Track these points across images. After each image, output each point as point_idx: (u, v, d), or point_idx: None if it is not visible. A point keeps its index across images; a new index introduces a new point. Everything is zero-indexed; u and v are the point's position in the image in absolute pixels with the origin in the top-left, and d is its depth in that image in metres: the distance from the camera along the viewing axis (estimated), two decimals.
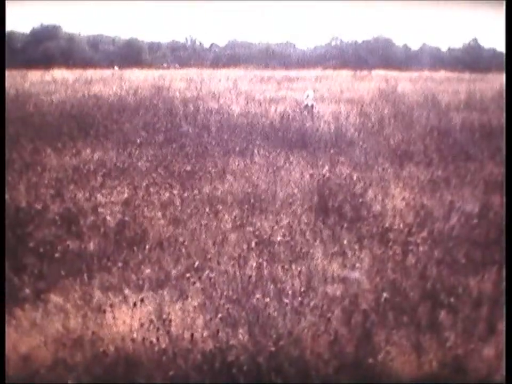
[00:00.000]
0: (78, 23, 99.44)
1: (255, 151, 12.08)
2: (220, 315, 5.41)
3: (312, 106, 17.71)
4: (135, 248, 7.08)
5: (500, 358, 4.78)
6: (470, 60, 52.82)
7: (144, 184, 9.50)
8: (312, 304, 5.70)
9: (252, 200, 8.77)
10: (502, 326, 5.24)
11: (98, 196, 8.91)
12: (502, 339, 5.01)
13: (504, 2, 6.63)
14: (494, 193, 9.26)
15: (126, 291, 6.03)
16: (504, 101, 6.50)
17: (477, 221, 7.96)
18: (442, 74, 37.12)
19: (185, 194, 9.01)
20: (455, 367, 4.74)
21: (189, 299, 5.83)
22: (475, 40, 59.10)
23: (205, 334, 5.15)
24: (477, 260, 6.84)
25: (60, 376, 4.76)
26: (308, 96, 18.23)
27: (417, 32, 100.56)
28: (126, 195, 8.99)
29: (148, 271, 6.53)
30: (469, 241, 7.37)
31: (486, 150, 12.37)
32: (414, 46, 61.65)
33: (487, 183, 9.88)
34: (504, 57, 6.50)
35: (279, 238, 7.32)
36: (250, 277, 6.18)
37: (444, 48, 61.50)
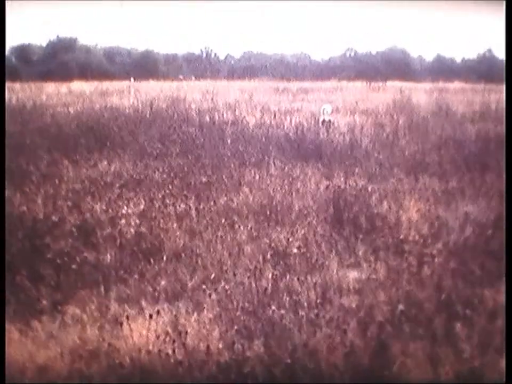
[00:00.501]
0: (94, 35, 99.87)
1: (271, 162, 12.10)
2: (235, 327, 5.44)
3: (329, 122, 17.05)
4: (151, 259, 7.12)
5: None
6: (485, 70, 52.61)
7: (160, 195, 9.53)
8: (327, 316, 5.70)
9: (268, 212, 8.80)
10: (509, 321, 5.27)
11: (115, 207, 8.94)
12: None
13: (504, 2, 6.65)
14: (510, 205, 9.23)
15: (142, 303, 6.05)
16: (504, 101, 6.50)
17: (492, 232, 7.93)
18: (456, 85, 37.03)
19: (201, 206, 9.04)
20: (471, 379, 4.74)
21: (205, 311, 5.85)
22: (489, 50, 58.93)
23: (221, 345, 5.16)
24: (492, 271, 6.81)
25: None
26: (324, 110, 17.68)
27: (432, 43, 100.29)
28: (142, 207, 9.02)
29: (164, 282, 6.57)
30: (484, 252, 7.35)
31: (502, 160, 12.31)
32: (429, 57, 61.57)
33: (503, 193, 9.82)
34: (504, 57, 6.53)
35: (294, 250, 7.34)
36: (266, 288, 6.19)
37: (459, 59, 61.38)
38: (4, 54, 10.32)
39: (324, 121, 17.03)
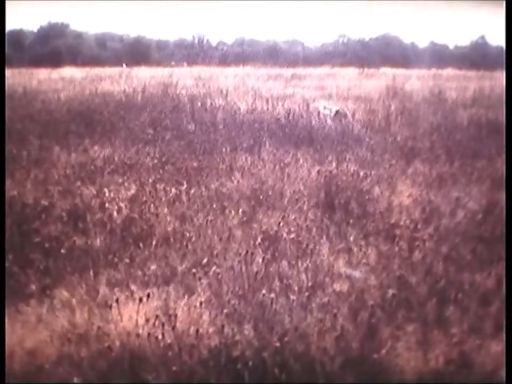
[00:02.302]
0: (85, 21, 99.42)
1: (262, 147, 12.08)
2: (225, 311, 5.42)
3: (338, 113, 16.15)
4: (141, 244, 7.08)
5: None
6: (477, 57, 52.69)
7: (151, 180, 9.51)
8: (318, 300, 5.70)
9: (259, 197, 8.78)
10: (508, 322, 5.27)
11: (105, 192, 8.90)
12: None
13: (504, 2, 6.63)
14: (501, 190, 9.23)
15: (132, 287, 6.02)
16: (504, 101, 6.49)
17: (483, 217, 7.94)
18: (449, 71, 37.01)
19: (192, 191, 9.01)
20: (461, 363, 4.73)
21: (195, 295, 5.83)
22: (482, 37, 59.02)
23: (211, 329, 5.15)
24: (483, 256, 6.83)
25: (65, 371, 4.77)
26: (324, 107, 17.22)
27: (425, 29, 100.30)
28: (133, 192, 9.00)
29: (154, 267, 6.53)
30: (475, 237, 7.36)
31: (493, 146, 12.34)
32: (421, 44, 61.66)
33: (494, 179, 9.85)
34: (504, 57, 6.51)
35: (285, 235, 7.32)
36: (256, 273, 6.18)
37: (451, 46, 61.44)
38: (4, 52, 10.29)
39: (337, 112, 16.28)
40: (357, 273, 6.48)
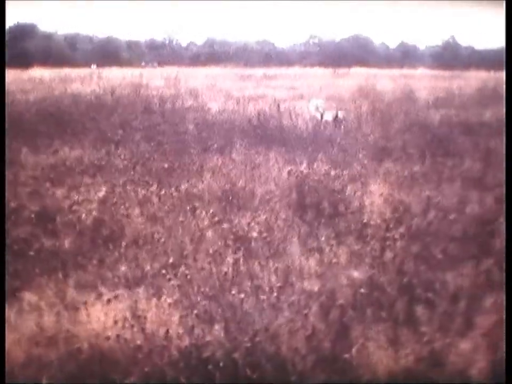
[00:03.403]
0: (55, 22, 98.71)
1: (233, 148, 12.05)
2: (195, 312, 5.38)
3: (336, 119, 15.03)
4: (111, 245, 7.02)
5: (476, 352, 4.79)
6: (449, 57, 53.17)
7: (121, 181, 9.45)
8: (289, 300, 5.67)
9: (230, 197, 8.75)
10: (478, 320, 5.28)
11: (75, 194, 8.84)
12: (479, 333, 5.04)
13: (504, 2, 6.66)
14: (472, 189, 9.30)
15: (102, 289, 5.96)
16: (504, 102, 6.50)
17: (454, 216, 7.96)
18: (421, 71, 37.31)
19: (163, 192, 8.95)
20: (432, 361, 4.73)
21: (165, 296, 5.78)
22: (453, 37, 59.53)
23: (181, 330, 5.11)
24: (454, 255, 6.84)
25: (33, 375, 4.70)
26: (316, 108, 16.11)
27: (396, 30, 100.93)
28: (103, 193, 8.92)
29: (123, 268, 6.48)
30: (446, 236, 7.37)
31: (464, 146, 12.44)
32: (393, 44, 62.04)
33: (465, 178, 9.92)
34: (504, 57, 6.53)
35: (255, 235, 7.29)
36: (226, 273, 6.15)
37: (422, 46, 61.89)
38: (4, 51, 10.16)
39: (336, 117, 15.17)
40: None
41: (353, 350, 4.87)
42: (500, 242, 7.01)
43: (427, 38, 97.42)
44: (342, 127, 14.56)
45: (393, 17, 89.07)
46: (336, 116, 15.17)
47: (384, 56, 56.31)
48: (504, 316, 4.83)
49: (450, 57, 54.53)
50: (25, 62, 37.18)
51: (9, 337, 5.12)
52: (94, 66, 35.69)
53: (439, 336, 5.07)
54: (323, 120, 15.17)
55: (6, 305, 5.42)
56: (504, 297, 5.04)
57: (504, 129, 6.54)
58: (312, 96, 20.84)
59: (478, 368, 4.63)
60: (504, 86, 6.48)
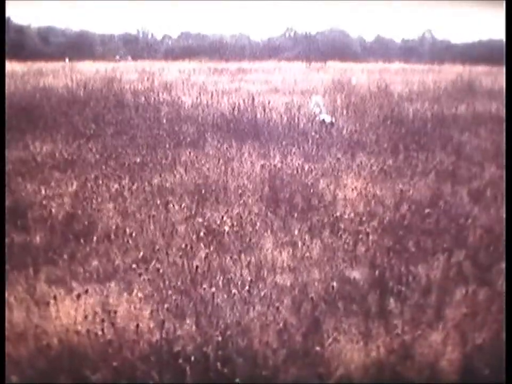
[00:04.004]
0: (27, 15, 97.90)
1: (207, 142, 12.05)
2: (166, 306, 5.36)
3: (331, 123, 14.16)
4: (82, 240, 6.96)
5: (445, 344, 4.80)
6: (425, 51, 53.44)
7: (93, 176, 9.39)
8: (261, 294, 5.67)
9: (202, 191, 8.72)
10: (448, 312, 5.31)
11: (46, 188, 8.76)
12: (448, 325, 5.06)
13: (504, 2, 6.67)
14: (445, 183, 9.36)
15: (73, 284, 5.92)
16: (504, 100, 6.51)
17: (427, 210, 7.99)
18: (396, 65, 37.45)
19: (135, 186, 8.94)
20: (402, 353, 4.74)
21: (135, 290, 5.74)
22: (429, 31, 59.82)
23: (151, 325, 5.08)
24: (427, 248, 6.88)
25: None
26: (316, 104, 15.51)
27: (372, 23, 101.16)
28: (74, 187, 8.88)
29: (95, 263, 6.44)
30: (419, 230, 7.41)
31: (438, 139, 12.51)
32: (369, 38, 62.18)
33: (438, 172, 9.98)
34: (504, 58, 6.55)
35: (227, 229, 7.27)
36: (198, 267, 6.12)
37: (398, 40, 62.10)
38: (4, 50, 10.04)
39: (323, 121, 14.35)
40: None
41: (325, 344, 4.87)
42: (471, 235, 7.07)
43: (403, 31, 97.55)
44: (333, 130, 13.86)
45: (369, 11, 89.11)
46: (323, 121, 14.44)
47: (361, 50, 56.44)
48: (504, 316, 4.84)
49: (426, 51, 54.85)
50: None
51: None
52: (67, 60, 35.40)
53: (409, 328, 5.08)
54: (319, 119, 14.62)
55: (6, 305, 5.34)
56: (504, 300, 5.05)
57: (504, 125, 6.57)
58: (286, 91, 20.91)
59: (448, 360, 4.64)
60: (504, 85, 6.49)
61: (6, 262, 5.96)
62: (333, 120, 14.35)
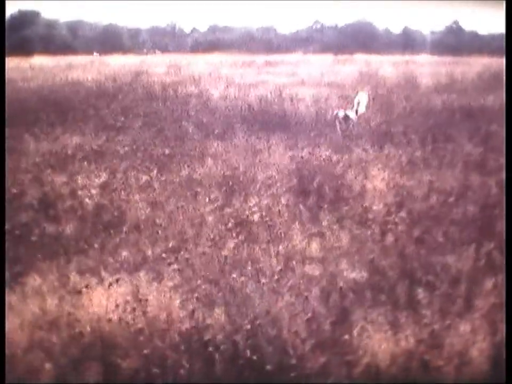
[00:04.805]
0: (57, 9, 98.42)
1: (235, 134, 12.07)
2: (196, 295, 5.41)
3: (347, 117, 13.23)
4: (112, 231, 7.04)
5: (476, 333, 4.80)
6: (452, 42, 52.96)
7: (122, 167, 9.48)
8: (290, 283, 5.69)
9: (231, 183, 8.75)
10: (478, 302, 5.29)
11: (76, 180, 8.85)
12: (478, 315, 5.05)
13: (504, 2, 6.64)
14: (473, 173, 9.30)
15: (103, 273, 5.97)
16: (504, 102, 6.48)
17: (455, 200, 7.97)
18: (423, 57, 37.17)
19: (164, 177, 8.99)
20: (431, 343, 4.75)
21: (165, 280, 5.79)
22: (456, 22, 59.25)
23: (182, 314, 5.13)
24: (455, 238, 6.85)
25: (36, 358, 4.73)
26: (358, 100, 14.02)
27: (399, 15, 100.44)
28: (103, 179, 8.95)
29: (125, 253, 6.50)
30: (447, 220, 7.38)
31: (465, 130, 12.42)
32: (396, 30, 61.71)
33: (466, 163, 9.91)
34: (505, 58, 6.52)
35: (256, 219, 7.30)
36: (227, 257, 6.17)
37: (426, 32, 61.57)
38: (3, 50, 10.15)
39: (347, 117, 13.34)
40: None
41: (353, 333, 4.89)
42: (500, 226, 7.02)
43: (430, 23, 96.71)
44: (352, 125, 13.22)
45: (396, 3, 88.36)
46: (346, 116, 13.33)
47: (387, 42, 56.05)
48: (504, 317, 4.84)
49: (454, 42, 54.35)
50: (27, 49, 37.11)
51: (12, 322, 5.15)
52: (95, 54, 35.61)
53: (438, 318, 5.08)
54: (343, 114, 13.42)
55: (6, 305, 5.40)
56: (504, 300, 5.04)
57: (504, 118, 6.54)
58: (313, 83, 20.83)
59: (478, 349, 4.64)
60: (504, 87, 6.45)
61: (5, 261, 6.02)
62: (353, 116, 13.46)
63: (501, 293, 5.42)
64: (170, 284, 5.69)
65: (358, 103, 13.96)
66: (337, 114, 13.43)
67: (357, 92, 15.18)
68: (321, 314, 5.17)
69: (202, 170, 9.50)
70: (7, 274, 5.92)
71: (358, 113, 13.68)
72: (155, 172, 9.25)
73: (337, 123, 13.14)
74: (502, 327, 4.84)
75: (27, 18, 50.25)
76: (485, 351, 4.65)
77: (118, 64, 27.98)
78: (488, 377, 4.54)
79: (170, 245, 6.62)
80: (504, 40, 6.73)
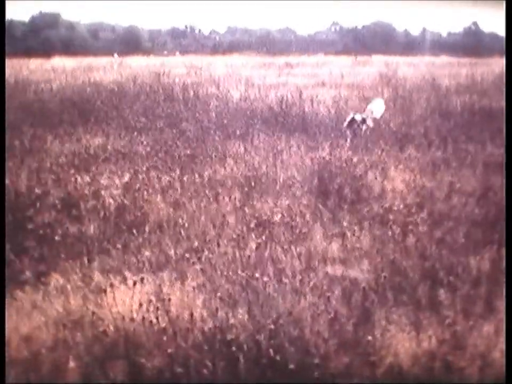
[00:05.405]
0: (77, 11, 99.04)
1: (255, 135, 12.09)
2: (219, 295, 5.45)
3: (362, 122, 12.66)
4: (134, 231, 7.09)
5: (499, 335, 4.81)
6: (471, 44, 52.74)
7: (144, 168, 9.54)
8: (311, 284, 5.72)
9: (252, 183, 8.79)
10: (500, 304, 5.29)
11: (99, 180, 8.94)
12: (500, 316, 5.05)
13: (504, 2, 6.63)
14: (494, 174, 9.27)
15: (126, 273, 6.02)
16: (504, 100, 6.47)
17: (476, 201, 7.97)
18: (443, 58, 37.05)
19: (185, 178, 9.04)
20: (454, 344, 4.76)
21: (188, 280, 5.84)
22: (475, 24, 59.02)
23: (205, 313, 5.17)
24: (476, 239, 6.85)
25: (61, 357, 4.78)
26: (371, 110, 13.48)
27: (418, 17, 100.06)
28: (126, 179, 9.02)
29: (147, 253, 6.55)
30: (468, 221, 7.39)
31: (486, 131, 12.39)
32: (415, 31, 61.56)
33: (487, 164, 9.90)
34: (505, 58, 6.52)
35: (278, 220, 7.35)
36: (249, 257, 6.21)
37: (445, 33, 61.37)
38: (3, 50, 10.24)
39: (353, 122, 12.73)
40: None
41: (376, 333, 4.91)
42: None
43: (449, 24, 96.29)
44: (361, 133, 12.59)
45: (415, 4, 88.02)
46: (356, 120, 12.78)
47: (406, 43, 55.94)
48: (505, 316, 4.84)
49: (473, 43, 54.10)
50: (48, 51, 37.33)
51: (36, 320, 5.23)
52: (116, 55, 35.76)
53: (461, 319, 5.10)
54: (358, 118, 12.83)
55: (6, 305, 5.44)
56: (504, 304, 5.05)
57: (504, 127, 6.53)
58: (333, 84, 20.82)
59: (500, 350, 4.64)
60: (505, 86, 6.44)
61: (5, 262, 6.09)
62: (367, 121, 12.82)
63: None
64: (193, 283, 5.73)
65: (372, 112, 13.46)
66: (353, 118, 12.78)
67: (372, 99, 14.82)
68: (343, 314, 5.19)
69: (224, 171, 9.55)
70: (30, 273, 6.01)
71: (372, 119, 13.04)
72: (177, 172, 9.30)
73: (351, 127, 12.59)
74: None
75: (48, 20, 50.59)
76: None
77: (139, 65, 28.13)
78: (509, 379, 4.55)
79: (192, 245, 6.67)
80: (504, 38, 6.70)
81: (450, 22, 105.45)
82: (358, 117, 12.76)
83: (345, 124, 12.72)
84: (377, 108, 13.75)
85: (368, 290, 5.58)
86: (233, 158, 10.29)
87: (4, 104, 8.97)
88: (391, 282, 5.78)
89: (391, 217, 7.54)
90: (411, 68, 27.88)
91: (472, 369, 4.56)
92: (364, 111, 13.54)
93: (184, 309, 5.25)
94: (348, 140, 12.06)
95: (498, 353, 4.64)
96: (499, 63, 27.88)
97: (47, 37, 47.39)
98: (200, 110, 15.04)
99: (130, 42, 49.86)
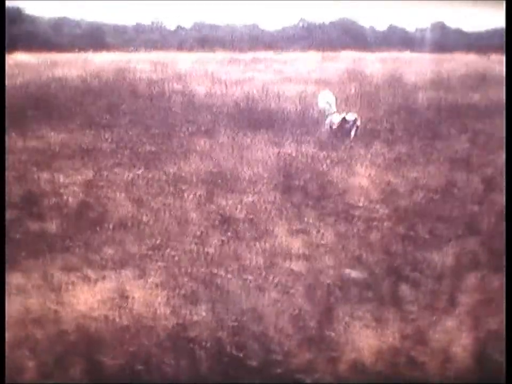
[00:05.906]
0: (41, 6, 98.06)
1: (221, 131, 12.03)
2: (182, 292, 5.41)
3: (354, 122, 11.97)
4: (97, 228, 7.01)
5: (459, 330, 4.82)
6: (437, 40, 53.04)
7: (108, 165, 9.46)
8: (275, 280, 5.70)
9: (217, 180, 8.74)
10: (462, 298, 5.31)
11: (61, 177, 8.83)
12: (463, 310, 5.07)
13: (504, 2, 6.66)
14: (459, 170, 9.33)
15: (88, 271, 5.95)
16: (504, 99, 6.49)
17: (441, 197, 8.01)
18: (409, 54, 37.21)
19: (150, 175, 8.98)
20: (417, 339, 4.76)
21: (151, 277, 5.79)
22: (441, 20, 59.38)
23: (167, 311, 5.12)
24: (441, 235, 6.89)
25: (22, 355, 4.70)
26: (325, 100, 12.88)
27: (385, 13, 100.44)
28: (89, 176, 8.93)
29: (110, 251, 6.48)
30: (433, 216, 7.42)
31: (452, 128, 12.46)
32: (381, 27, 61.74)
33: (452, 160, 9.95)
34: (505, 58, 6.54)
35: (242, 216, 7.32)
36: (212, 254, 6.18)
37: (411, 29, 61.65)
38: (3, 50, 10.09)
39: (344, 122, 12.02)
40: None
41: (339, 329, 4.89)
42: (484, 222, 7.07)
43: (416, 21, 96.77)
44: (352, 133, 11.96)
45: (381, 0, 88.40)
46: (344, 122, 12.04)
47: (373, 39, 56.09)
48: (505, 316, 4.85)
49: (439, 40, 54.43)
50: (11, 46, 36.86)
51: None
52: (80, 51, 35.42)
53: (424, 314, 5.10)
54: (329, 121, 12.37)
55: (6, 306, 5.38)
56: (504, 302, 5.06)
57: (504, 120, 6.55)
58: (300, 80, 20.81)
59: (462, 345, 4.66)
60: (505, 89, 6.47)
61: (5, 262, 6.00)
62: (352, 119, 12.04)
63: (485, 289, 5.46)
64: (156, 280, 5.69)
65: (330, 105, 12.71)
66: (331, 121, 12.20)
67: (319, 93, 13.79)
68: (306, 311, 5.18)
69: (189, 167, 9.48)
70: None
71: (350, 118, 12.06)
72: (141, 169, 9.23)
73: (342, 128, 11.91)
74: (486, 323, 4.87)
75: (11, 15, 49.96)
76: (469, 347, 4.67)
77: (103, 61, 27.85)
78: (471, 374, 4.56)
79: (155, 242, 6.62)
80: (504, 37, 6.72)
81: (417, 18, 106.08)
82: (351, 117, 12.05)
83: (335, 125, 12.10)
84: (331, 100, 12.95)
85: (332, 287, 5.56)
86: (199, 154, 10.22)
87: (4, 104, 8.83)
88: (354, 279, 5.77)
89: (356, 213, 7.55)
90: (378, 64, 27.94)
91: (435, 363, 4.57)
92: (317, 105, 13.32)
93: (146, 307, 5.20)
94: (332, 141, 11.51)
95: (459, 348, 4.66)
96: (465, 59, 28.16)
97: (9, 32, 46.78)
98: (165, 106, 14.92)
99: (95, 38, 49.39)
